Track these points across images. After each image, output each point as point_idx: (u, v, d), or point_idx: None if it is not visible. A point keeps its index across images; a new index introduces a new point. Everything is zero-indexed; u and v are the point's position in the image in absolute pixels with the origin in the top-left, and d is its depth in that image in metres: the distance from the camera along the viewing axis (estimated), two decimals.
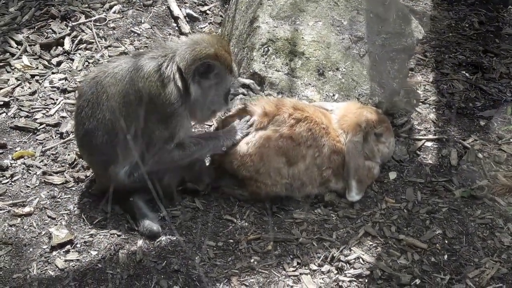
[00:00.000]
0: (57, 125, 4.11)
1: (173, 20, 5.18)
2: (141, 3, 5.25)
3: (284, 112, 3.53)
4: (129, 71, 3.30)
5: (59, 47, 4.77)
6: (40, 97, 4.34)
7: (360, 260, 3.25)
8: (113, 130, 3.32)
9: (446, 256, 3.27)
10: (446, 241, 3.36)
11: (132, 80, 3.28)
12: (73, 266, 3.15)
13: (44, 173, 3.74)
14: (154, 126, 3.31)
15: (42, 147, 3.94)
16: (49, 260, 3.19)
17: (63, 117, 4.18)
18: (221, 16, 5.32)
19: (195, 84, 3.32)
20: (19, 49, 4.72)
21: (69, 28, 4.90)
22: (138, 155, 3.39)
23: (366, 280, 3.15)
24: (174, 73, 3.27)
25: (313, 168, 3.56)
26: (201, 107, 3.45)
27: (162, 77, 3.27)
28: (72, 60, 4.67)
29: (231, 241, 3.34)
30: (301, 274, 3.17)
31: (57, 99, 4.31)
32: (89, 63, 4.65)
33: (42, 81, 4.47)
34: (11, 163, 3.80)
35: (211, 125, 4.16)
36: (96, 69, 3.61)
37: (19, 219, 3.44)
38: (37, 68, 4.60)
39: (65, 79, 4.49)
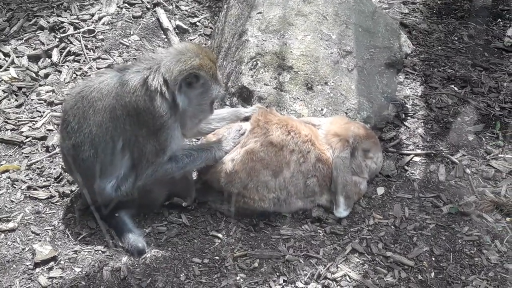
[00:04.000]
0: (43, 138, 4.07)
1: (162, 32, 5.16)
2: (131, 15, 5.23)
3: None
4: (115, 86, 3.28)
5: (47, 58, 4.75)
6: (27, 110, 4.31)
7: (347, 277, 3.23)
8: (100, 145, 3.30)
9: (433, 274, 3.26)
10: (433, 259, 3.35)
11: (118, 95, 3.26)
12: (56, 284, 3.11)
13: (29, 187, 3.70)
14: (144, 140, 3.29)
15: (28, 160, 3.90)
16: (32, 277, 3.15)
17: (49, 130, 4.14)
18: (210, 28, 5.31)
19: (181, 95, 3.30)
20: (7, 61, 4.68)
21: (57, 39, 4.88)
22: (128, 169, 3.37)
23: None
24: (161, 85, 3.25)
25: (298, 175, 3.53)
26: (189, 117, 3.44)
27: (149, 90, 3.25)
28: (60, 72, 4.64)
29: (217, 258, 3.31)
30: None
31: (44, 112, 4.28)
32: (77, 75, 4.62)
33: (29, 94, 4.44)
34: None
35: (199, 139, 4.13)
36: (82, 83, 3.59)
37: (2, 234, 3.40)
38: (24, 80, 4.56)
39: (53, 91, 4.46)
